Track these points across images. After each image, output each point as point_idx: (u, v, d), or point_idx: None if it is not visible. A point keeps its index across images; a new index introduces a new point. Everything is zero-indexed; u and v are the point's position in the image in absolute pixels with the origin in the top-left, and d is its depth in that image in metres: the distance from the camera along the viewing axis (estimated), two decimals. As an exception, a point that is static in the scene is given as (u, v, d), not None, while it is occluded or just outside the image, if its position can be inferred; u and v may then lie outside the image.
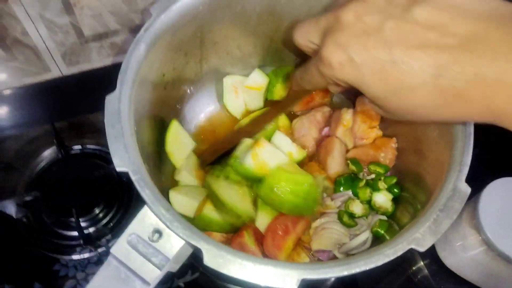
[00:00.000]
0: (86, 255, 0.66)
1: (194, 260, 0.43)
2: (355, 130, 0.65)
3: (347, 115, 0.64)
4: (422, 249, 0.40)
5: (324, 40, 0.39)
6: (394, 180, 0.60)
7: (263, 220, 0.55)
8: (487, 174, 0.60)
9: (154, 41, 0.50)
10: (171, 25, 0.52)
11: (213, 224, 0.53)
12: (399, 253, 0.39)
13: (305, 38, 0.43)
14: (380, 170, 0.61)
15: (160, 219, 0.39)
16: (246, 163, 0.53)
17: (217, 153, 0.60)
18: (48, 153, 0.74)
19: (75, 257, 0.66)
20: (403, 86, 0.35)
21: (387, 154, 0.63)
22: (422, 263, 0.67)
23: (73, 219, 0.67)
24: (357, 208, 0.59)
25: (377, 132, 0.65)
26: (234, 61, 0.67)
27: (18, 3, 0.63)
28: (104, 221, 0.69)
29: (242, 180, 0.56)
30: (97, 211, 0.69)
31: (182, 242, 0.39)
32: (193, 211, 0.55)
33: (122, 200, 0.70)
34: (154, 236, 0.39)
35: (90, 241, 0.66)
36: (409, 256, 0.67)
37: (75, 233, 0.67)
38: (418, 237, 0.40)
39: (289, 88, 0.63)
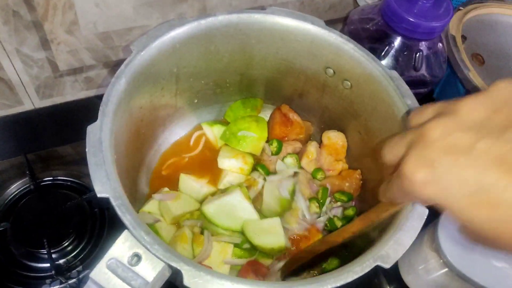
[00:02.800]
0: (56, 287, 0.65)
1: (174, 281, 0.44)
2: (322, 162, 0.70)
3: (311, 148, 0.69)
4: (387, 265, 0.43)
5: (406, 155, 0.35)
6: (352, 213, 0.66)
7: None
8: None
9: (133, 75, 0.53)
10: (150, 61, 0.56)
11: None
12: (367, 270, 0.42)
13: (391, 153, 0.38)
14: (344, 198, 0.67)
15: (141, 243, 0.40)
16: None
17: (299, 262, 0.59)
18: (19, 185, 0.73)
19: (45, 289, 0.65)
20: (496, 215, 0.32)
21: (352, 184, 0.68)
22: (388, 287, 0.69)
23: (42, 251, 0.66)
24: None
25: (343, 165, 0.70)
26: (206, 96, 0.71)
27: (-5, 38, 0.65)
28: (75, 252, 0.68)
29: None
30: (67, 242, 0.68)
31: (161, 265, 0.40)
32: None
33: (93, 232, 0.70)
34: (133, 260, 0.40)
35: (61, 273, 0.66)
36: (376, 282, 0.69)
37: (44, 265, 0.66)
38: (383, 255, 0.44)
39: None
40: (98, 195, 0.42)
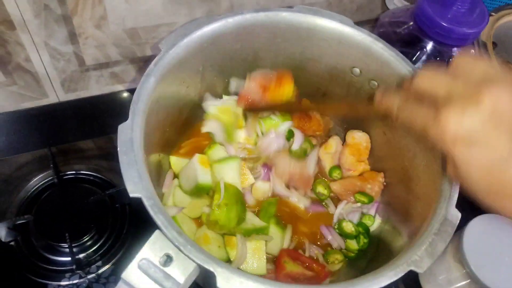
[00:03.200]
0: (75, 281, 0.65)
1: (201, 282, 0.44)
2: (343, 162, 0.69)
3: (332, 141, 0.69)
4: (421, 270, 0.43)
5: (452, 103, 0.35)
6: (369, 224, 0.65)
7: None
8: (470, 210, 0.64)
9: (162, 74, 0.53)
10: (178, 59, 0.55)
11: None
12: (400, 275, 0.42)
13: (430, 84, 0.39)
14: (364, 199, 0.66)
15: (173, 243, 0.40)
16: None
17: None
18: (42, 178, 0.73)
19: (64, 283, 0.65)
20: (501, 185, 0.34)
21: (374, 187, 0.67)
22: (407, 296, 0.68)
23: (63, 244, 0.66)
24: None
25: (364, 166, 0.69)
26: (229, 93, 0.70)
27: (25, 30, 0.65)
28: (95, 247, 0.68)
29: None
30: (88, 237, 0.68)
31: (193, 267, 0.40)
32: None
33: (114, 227, 0.70)
34: (165, 261, 0.40)
35: (80, 267, 0.66)
36: (395, 290, 0.68)
37: (65, 259, 0.67)
38: (416, 259, 0.43)
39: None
40: (131, 195, 0.42)
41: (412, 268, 0.42)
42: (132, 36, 0.72)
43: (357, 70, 0.64)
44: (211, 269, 0.39)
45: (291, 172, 0.65)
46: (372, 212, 0.67)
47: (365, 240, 0.64)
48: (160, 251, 0.41)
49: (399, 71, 0.58)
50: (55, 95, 0.77)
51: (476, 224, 0.59)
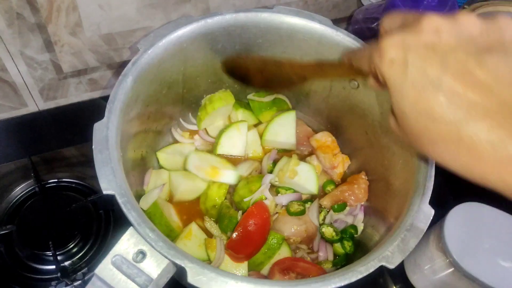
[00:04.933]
0: (61, 288, 0.65)
1: (180, 279, 0.44)
2: (323, 164, 0.69)
3: (313, 162, 0.70)
4: (391, 266, 0.43)
5: (393, 30, 0.36)
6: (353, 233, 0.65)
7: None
8: (450, 200, 0.65)
9: (140, 74, 0.53)
10: (157, 60, 0.56)
11: None
12: (371, 270, 0.42)
13: (388, 24, 0.40)
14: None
15: (145, 240, 0.40)
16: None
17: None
18: (24, 187, 0.73)
19: (50, 291, 0.65)
20: (430, 115, 0.34)
21: (360, 185, 0.67)
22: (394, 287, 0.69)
23: (48, 253, 0.66)
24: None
25: (342, 156, 0.70)
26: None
27: (-1, 40, 0.65)
28: (80, 254, 0.68)
29: None
30: (73, 244, 0.68)
31: (166, 263, 0.40)
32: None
33: (98, 233, 0.70)
34: (138, 257, 0.40)
35: (66, 275, 0.65)
36: (382, 282, 0.69)
37: (49, 267, 0.66)
38: (388, 255, 0.43)
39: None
40: (104, 192, 0.42)
41: (383, 263, 0.43)
42: (109, 42, 0.73)
43: (338, 70, 0.64)
44: (182, 264, 0.39)
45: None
46: (360, 215, 0.67)
47: (350, 244, 0.64)
48: (134, 247, 0.41)
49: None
50: (34, 104, 0.78)
51: (456, 213, 0.59)
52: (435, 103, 0.33)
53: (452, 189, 0.63)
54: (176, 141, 0.71)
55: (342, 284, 0.41)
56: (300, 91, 0.72)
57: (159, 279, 0.40)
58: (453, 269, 0.58)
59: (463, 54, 0.33)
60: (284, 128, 0.71)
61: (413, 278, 0.67)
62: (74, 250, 0.68)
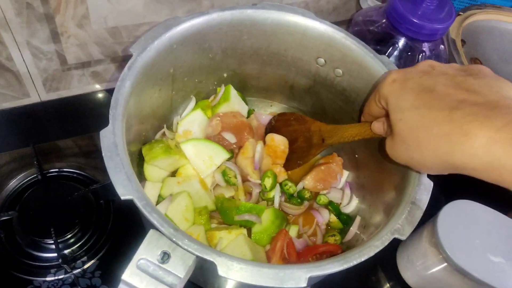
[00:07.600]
0: (61, 276, 0.65)
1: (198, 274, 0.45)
2: (258, 160, 0.68)
3: (249, 145, 0.69)
4: (403, 237, 0.46)
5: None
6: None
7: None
8: (443, 197, 0.68)
9: (136, 78, 0.53)
10: (149, 63, 0.55)
11: None
12: (386, 243, 0.45)
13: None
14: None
15: (171, 240, 0.41)
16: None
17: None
18: (25, 176, 0.73)
19: (50, 278, 0.65)
20: (426, 104, 0.40)
21: (338, 163, 0.70)
22: (388, 284, 0.71)
23: (48, 240, 0.66)
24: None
25: (280, 169, 0.69)
26: (201, 94, 0.71)
27: (7, 29, 0.64)
28: (80, 243, 0.69)
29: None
30: (73, 233, 0.68)
31: (191, 259, 0.41)
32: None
33: (98, 223, 0.71)
34: (163, 258, 0.41)
35: (66, 262, 0.66)
36: (374, 279, 0.71)
37: (49, 254, 0.67)
38: (399, 228, 0.46)
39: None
40: (122, 198, 0.42)
41: (396, 236, 0.45)
42: (114, 35, 0.72)
43: (321, 60, 0.65)
44: (211, 259, 0.40)
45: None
46: (347, 190, 0.70)
47: (335, 213, 0.67)
48: (156, 249, 0.42)
49: (361, 58, 0.61)
50: (37, 94, 0.77)
51: (450, 210, 0.62)
52: (431, 97, 0.40)
53: (444, 189, 0.66)
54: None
55: (363, 259, 0.43)
56: (285, 84, 0.73)
57: (186, 276, 0.41)
58: (445, 264, 0.60)
59: (452, 73, 0.42)
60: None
61: (406, 274, 0.69)
62: (74, 238, 0.69)
